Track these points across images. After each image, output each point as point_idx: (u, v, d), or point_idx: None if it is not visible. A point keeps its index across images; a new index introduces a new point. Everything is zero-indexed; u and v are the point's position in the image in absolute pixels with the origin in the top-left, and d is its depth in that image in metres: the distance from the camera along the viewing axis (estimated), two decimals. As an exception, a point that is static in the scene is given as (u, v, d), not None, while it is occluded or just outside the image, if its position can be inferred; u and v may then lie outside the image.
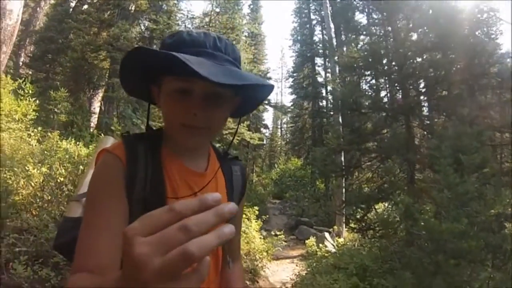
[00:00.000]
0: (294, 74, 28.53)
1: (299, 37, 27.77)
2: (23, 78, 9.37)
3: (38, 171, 5.77)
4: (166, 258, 0.43)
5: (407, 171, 7.45)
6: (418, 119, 8.48)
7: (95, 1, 15.41)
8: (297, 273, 7.61)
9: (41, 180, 5.71)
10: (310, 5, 26.59)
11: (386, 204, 7.80)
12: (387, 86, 9.67)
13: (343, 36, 16.08)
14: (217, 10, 14.26)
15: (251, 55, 15.74)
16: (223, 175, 1.20)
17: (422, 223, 4.14)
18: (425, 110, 8.80)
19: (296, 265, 8.85)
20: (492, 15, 8.53)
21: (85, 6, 15.84)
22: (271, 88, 1.09)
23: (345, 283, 5.37)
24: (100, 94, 14.51)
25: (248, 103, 1.18)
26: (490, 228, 4.15)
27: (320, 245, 9.86)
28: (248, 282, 6.76)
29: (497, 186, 4.65)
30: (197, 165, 1.12)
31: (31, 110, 8.64)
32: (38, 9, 18.95)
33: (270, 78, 20.18)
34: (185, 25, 14.91)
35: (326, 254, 8.82)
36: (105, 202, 0.92)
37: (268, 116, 53.29)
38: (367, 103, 8.34)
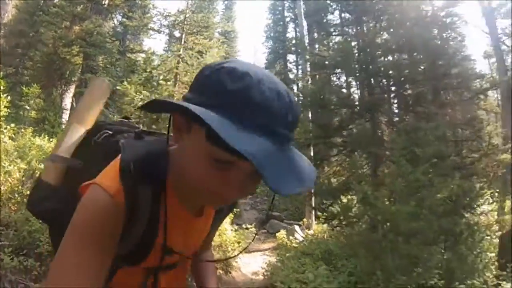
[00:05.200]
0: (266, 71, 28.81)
1: (272, 34, 28.19)
2: (-7, 74, 8.96)
3: (16, 167, 5.81)
4: None
5: (371, 164, 7.93)
6: (387, 116, 9.00)
7: (67, -7, 14.90)
8: (268, 262, 7.88)
9: (20, 176, 5.72)
10: (285, 2, 27.14)
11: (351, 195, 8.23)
12: (357, 84, 10.11)
13: (315, 34, 16.39)
14: (193, 9, 14.35)
15: (224, 53, 15.90)
16: None
17: (377, 207, 4.62)
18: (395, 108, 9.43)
19: (269, 257, 9.11)
20: (456, 20, 9.10)
21: (57, -1, 15.45)
22: None
23: (312, 266, 5.79)
24: (72, 90, 14.22)
25: None
26: (438, 212, 4.66)
27: (291, 237, 10.18)
28: (221, 272, 7.00)
29: (449, 175, 5.19)
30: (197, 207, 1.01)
31: (3, 106, 8.49)
32: (6, 0, 18.26)
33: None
34: (161, 23, 14.89)
35: (295, 245, 9.15)
36: (89, 250, 0.78)
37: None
38: (335, 100, 8.75)
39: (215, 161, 0.71)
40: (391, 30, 8.94)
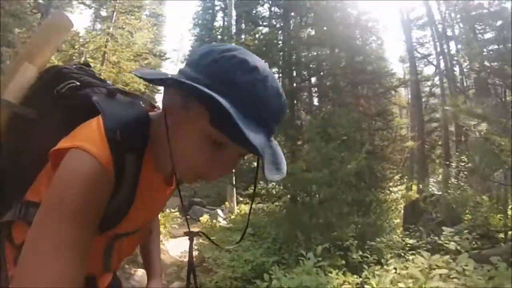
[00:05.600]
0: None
1: (200, 22, 27.94)
2: None
3: None
4: None
5: (289, 145, 8.60)
6: (306, 104, 9.76)
7: (-15, -49, 13.46)
8: (195, 242, 8.15)
9: None
10: (216, -10, 26.89)
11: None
12: (280, 73, 10.71)
13: (243, 25, 16.67)
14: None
15: (152, 35, 15.72)
16: None
17: (295, 175, 5.37)
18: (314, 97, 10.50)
19: (194, 240, 9.40)
20: (376, 25, 10.37)
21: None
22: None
23: (238, 236, 6.24)
24: (-17, 63, 13.10)
25: None
26: (349, 182, 5.47)
27: (214, 220, 10.66)
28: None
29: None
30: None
31: None
32: None
33: (168, 59, 21.63)
34: (92, -1, 14.32)
35: (221, 225, 9.72)
36: (81, 225, 0.70)
37: (160, 98, 52.78)
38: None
39: (208, 138, 0.74)
40: (316, 26, 9.64)
